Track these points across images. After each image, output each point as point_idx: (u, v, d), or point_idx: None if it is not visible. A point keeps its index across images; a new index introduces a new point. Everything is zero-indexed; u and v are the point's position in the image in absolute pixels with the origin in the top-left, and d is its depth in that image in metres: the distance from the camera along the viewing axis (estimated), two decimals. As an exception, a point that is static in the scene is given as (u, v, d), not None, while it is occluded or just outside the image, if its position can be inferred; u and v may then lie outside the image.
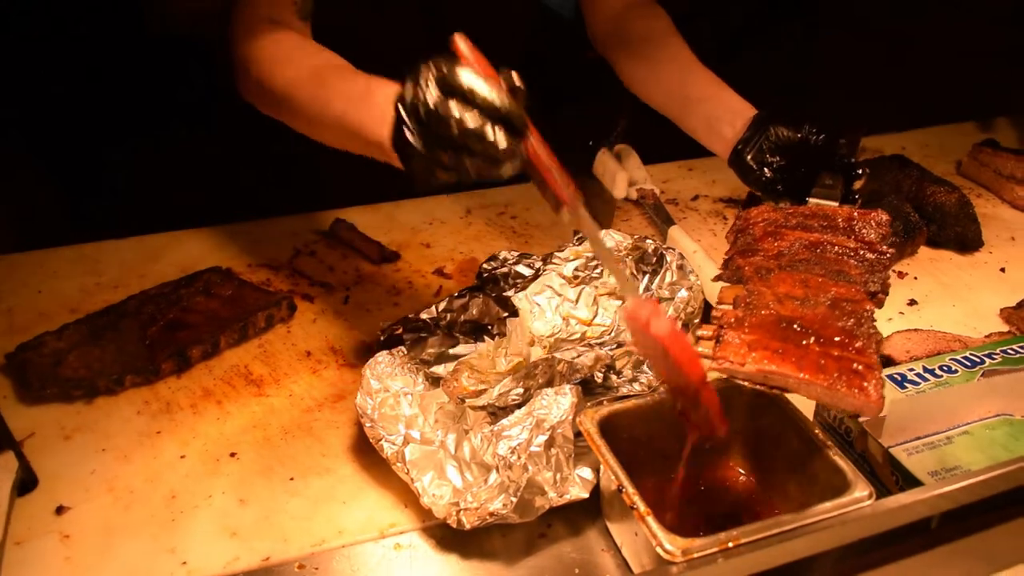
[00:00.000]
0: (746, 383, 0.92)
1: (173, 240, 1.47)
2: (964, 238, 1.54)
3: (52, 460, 1.05)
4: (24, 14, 1.48)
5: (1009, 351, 1.19)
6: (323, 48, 1.19)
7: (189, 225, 1.53)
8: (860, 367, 0.90)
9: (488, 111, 0.87)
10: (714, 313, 0.99)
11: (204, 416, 1.13)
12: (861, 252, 1.09)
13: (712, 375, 0.91)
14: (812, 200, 1.22)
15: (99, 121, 1.59)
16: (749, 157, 1.27)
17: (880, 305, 1.04)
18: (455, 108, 0.87)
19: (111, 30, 1.58)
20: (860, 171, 1.22)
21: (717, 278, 1.09)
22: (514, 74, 0.91)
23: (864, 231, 1.11)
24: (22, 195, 1.63)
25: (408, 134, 0.91)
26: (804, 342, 0.92)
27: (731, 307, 0.99)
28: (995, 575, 0.87)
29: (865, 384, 0.88)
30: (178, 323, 1.25)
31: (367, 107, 1.04)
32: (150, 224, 1.53)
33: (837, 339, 0.94)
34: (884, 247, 1.09)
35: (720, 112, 1.32)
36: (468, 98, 0.87)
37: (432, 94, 0.88)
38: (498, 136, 0.87)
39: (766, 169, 1.27)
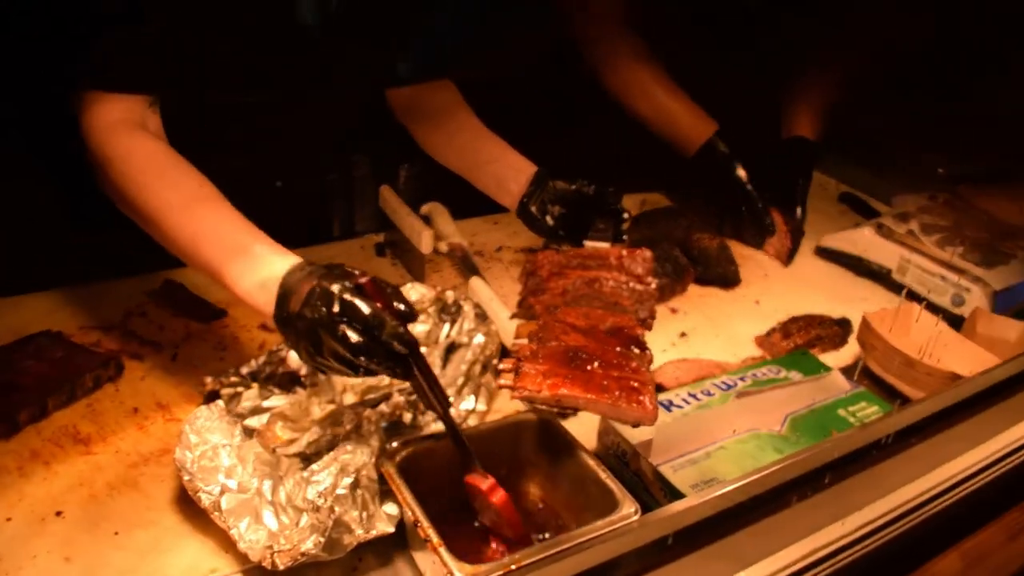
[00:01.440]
0: (543, 406, 0.98)
1: (6, 305, 1.39)
2: (725, 277, 1.63)
3: None
4: None
5: (758, 374, 1.27)
6: (188, 166, 1.13)
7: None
8: (636, 384, 0.97)
9: (380, 338, 0.88)
10: (512, 347, 1.03)
11: (31, 478, 1.06)
12: (631, 284, 1.15)
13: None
14: (588, 243, 1.28)
15: None
16: (534, 208, 1.33)
17: (649, 328, 1.11)
18: (351, 334, 0.88)
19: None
20: (625, 215, 1.29)
21: (514, 316, 1.13)
22: (402, 305, 0.93)
23: (632, 266, 1.18)
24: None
25: (300, 343, 0.93)
26: (589, 367, 0.98)
27: (526, 341, 1.03)
28: (740, 572, 0.91)
29: (641, 398, 0.95)
30: (9, 386, 1.18)
31: (246, 267, 1.01)
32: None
33: (615, 362, 1.00)
34: (649, 279, 1.15)
35: (506, 171, 1.38)
36: (363, 326, 0.88)
37: (329, 324, 0.89)
38: (384, 363, 0.89)
39: (548, 218, 1.34)
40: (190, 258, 1.09)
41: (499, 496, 0.97)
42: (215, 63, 1.22)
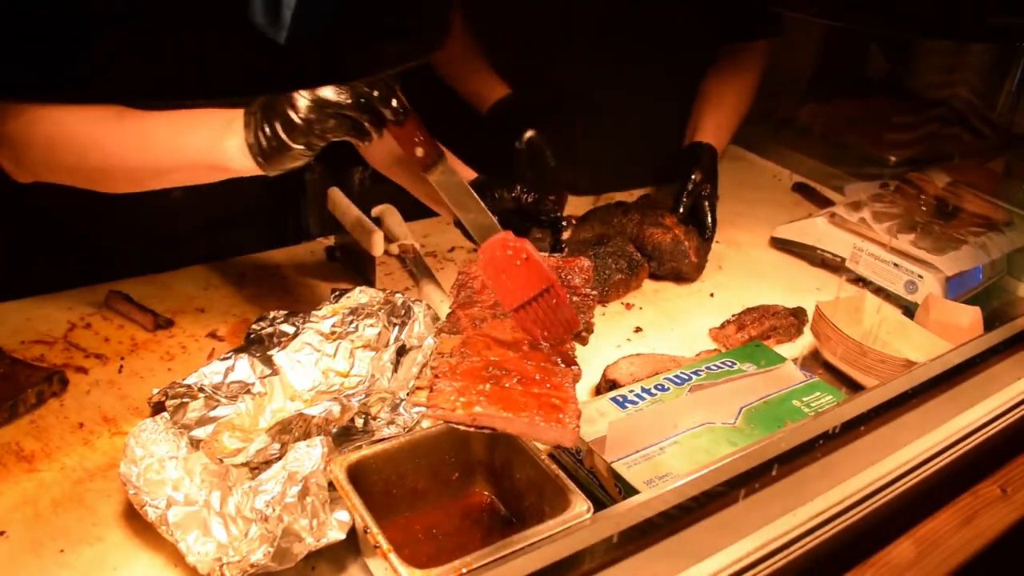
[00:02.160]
0: (460, 426, 0.92)
1: (-56, 323, 1.36)
2: (678, 272, 1.64)
3: None
4: None
5: (712, 367, 1.27)
6: (93, 106, 1.15)
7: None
8: (557, 401, 0.93)
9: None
10: (431, 363, 0.99)
11: (-28, 498, 1.05)
12: (569, 296, 1.12)
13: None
14: None
15: None
16: None
17: (584, 343, 1.08)
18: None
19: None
20: (565, 224, 1.28)
21: (439, 331, 1.09)
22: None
23: (570, 277, 1.15)
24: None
25: (296, 112, 1.02)
26: (507, 384, 0.94)
27: (448, 357, 0.99)
28: (692, 567, 0.92)
29: (561, 416, 0.91)
30: (-52, 406, 1.16)
31: (202, 125, 1.10)
32: None
33: (537, 377, 0.96)
34: (587, 290, 1.12)
35: None
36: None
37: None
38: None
39: None
40: (150, 164, 1.15)
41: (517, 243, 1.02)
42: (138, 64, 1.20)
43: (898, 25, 1.17)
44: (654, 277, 1.64)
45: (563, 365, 1.00)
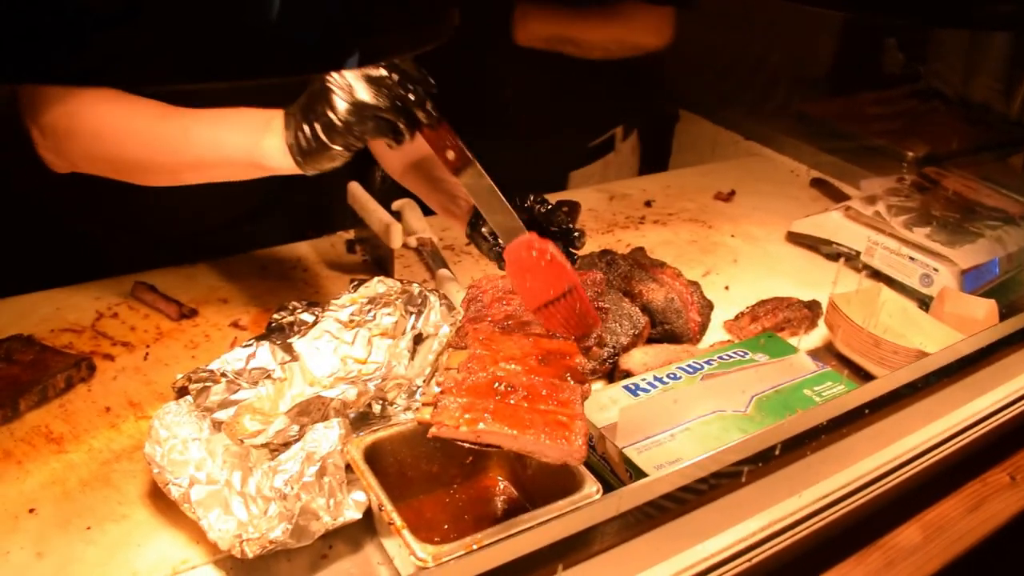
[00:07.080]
0: (465, 443, 0.90)
1: (-24, 312, 1.41)
2: (674, 335, 1.43)
3: None
4: None
5: (724, 356, 1.29)
6: (139, 97, 1.21)
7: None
8: (564, 418, 0.91)
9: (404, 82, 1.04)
10: (437, 379, 0.99)
11: (4, 477, 1.08)
12: None
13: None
14: None
15: None
16: (484, 229, 1.29)
17: (596, 358, 1.07)
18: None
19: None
20: (578, 234, 1.27)
21: (449, 345, 1.08)
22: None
23: None
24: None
25: (336, 113, 1.05)
26: (513, 400, 0.92)
27: (456, 373, 0.97)
28: (698, 545, 0.94)
29: (568, 434, 0.89)
30: (-20, 391, 1.20)
31: (242, 124, 1.15)
32: None
33: (544, 393, 0.94)
34: (600, 303, 1.09)
35: (456, 189, 1.34)
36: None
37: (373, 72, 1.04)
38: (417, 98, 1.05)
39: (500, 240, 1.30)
40: (189, 159, 1.20)
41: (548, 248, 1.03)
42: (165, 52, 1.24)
43: (908, 14, 1.18)
44: (650, 341, 1.41)
45: (572, 382, 0.97)
